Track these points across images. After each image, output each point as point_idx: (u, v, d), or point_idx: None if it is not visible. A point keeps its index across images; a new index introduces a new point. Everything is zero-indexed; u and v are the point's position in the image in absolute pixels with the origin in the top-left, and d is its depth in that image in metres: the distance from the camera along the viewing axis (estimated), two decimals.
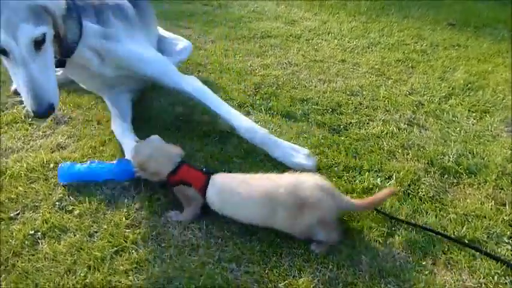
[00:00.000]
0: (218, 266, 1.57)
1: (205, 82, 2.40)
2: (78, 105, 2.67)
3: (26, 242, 1.63)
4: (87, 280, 1.49)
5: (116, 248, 1.62)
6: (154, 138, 1.89)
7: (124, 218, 1.76)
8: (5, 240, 1.64)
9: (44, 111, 1.70)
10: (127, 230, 1.70)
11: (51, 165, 2.06)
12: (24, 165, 2.05)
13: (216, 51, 3.68)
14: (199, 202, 1.75)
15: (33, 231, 1.69)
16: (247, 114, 2.66)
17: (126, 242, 1.65)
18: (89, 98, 2.78)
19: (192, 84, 2.35)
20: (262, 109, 2.72)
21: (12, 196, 1.87)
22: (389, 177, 2.12)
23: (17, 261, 1.55)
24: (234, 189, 1.71)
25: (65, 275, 1.51)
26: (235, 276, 1.53)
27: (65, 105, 2.66)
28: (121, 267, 1.55)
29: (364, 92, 3.02)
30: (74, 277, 1.50)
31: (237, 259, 1.60)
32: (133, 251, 1.62)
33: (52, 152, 2.18)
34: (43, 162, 2.08)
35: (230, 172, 1.94)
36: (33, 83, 1.68)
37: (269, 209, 1.62)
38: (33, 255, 1.58)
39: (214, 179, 1.76)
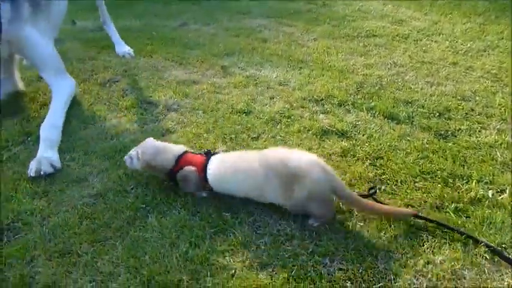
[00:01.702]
0: (311, 259, 1.57)
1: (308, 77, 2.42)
2: (186, 95, 2.85)
3: (138, 214, 1.79)
4: (188, 255, 1.59)
5: (215, 229, 1.71)
6: (150, 139, 1.97)
7: (223, 203, 1.84)
8: (120, 210, 1.82)
9: None
10: (226, 214, 1.78)
11: None
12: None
13: (318, 49, 3.68)
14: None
15: (143, 205, 1.85)
16: (348, 112, 2.63)
17: (224, 224, 1.73)
18: (196, 88, 2.96)
19: (61, 90, 2.57)
20: (364, 108, 2.65)
21: (127, 172, 2.06)
22: (502, 191, 1.95)
23: (130, 230, 1.71)
24: (229, 164, 1.80)
25: (169, 248, 1.62)
26: (328, 271, 1.52)
27: (175, 94, 2.85)
28: (219, 247, 1.63)
29: (477, 98, 2.79)
30: (176, 251, 1.61)
31: (330, 254, 1.59)
32: (230, 233, 1.69)
33: (162, 136, 2.36)
34: None
35: None
36: None
37: (261, 180, 1.68)
38: (143, 226, 1.73)
39: (213, 158, 1.84)
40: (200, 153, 1.94)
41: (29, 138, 2.40)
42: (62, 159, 2.18)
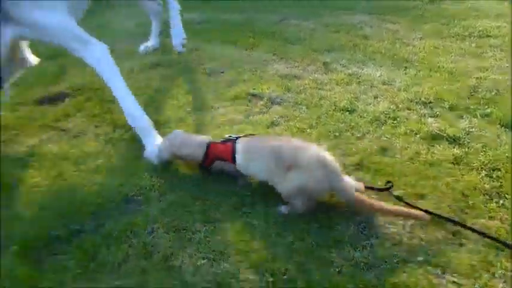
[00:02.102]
0: (421, 268, 1.53)
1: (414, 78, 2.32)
2: (289, 89, 2.89)
3: (244, 201, 1.86)
4: (294, 246, 1.63)
5: (319, 224, 1.72)
6: (177, 131, 2.11)
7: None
8: (228, 195, 1.91)
9: None
10: (331, 212, 1.79)
11: None
12: None
13: (424, 48, 3.51)
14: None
15: (249, 193, 1.91)
16: (459, 117, 2.48)
17: (329, 221, 1.74)
18: (298, 83, 2.98)
19: (99, 63, 2.29)
20: (478, 114, 2.49)
21: None
22: None
23: (238, 214, 1.79)
24: (252, 147, 1.89)
25: (275, 237, 1.68)
26: (439, 282, 1.47)
27: (278, 87, 2.90)
28: (324, 242, 1.64)
29: None
30: (282, 241, 1.66)
31: (442, 266, 1.53)
32: (336, 231, 1.70)
33: (267, 128, 2.43)
34: None
35: None
36: None
37: (272, 164, 1.75)
38: (249, 213, 1.80)
39: (238, 142, 1.92)
40: (223, 141, 2.00)
41: None
42: (160, 132, 2.32)
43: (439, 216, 1.70)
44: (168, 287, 1.49)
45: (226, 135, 2.04)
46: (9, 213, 1.82)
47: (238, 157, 1.90)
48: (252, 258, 1.58)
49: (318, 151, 1.74)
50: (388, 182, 1.88)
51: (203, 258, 1.59)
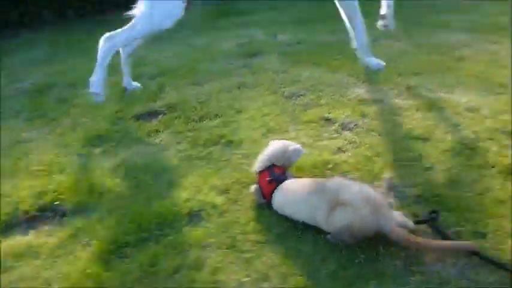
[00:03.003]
0: None
1: None
2: (365, 114, 2.88)
3: (296, 226, 1.93)
4: (337, 274, 1.66)
5: (365, 255, 1.72)
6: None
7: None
8: (281, 218, 2.00)
9: None
10: (378, 245, 1.77)
11: (330, 166, 2.34)
12: (309, 161, 2.39)
13: None
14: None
15: None
16: None
17: (376, 254, 1.72)
18: (376, 108, 2.95)
19: None
20: None
21: None
22: None
23: (287, 238, 1.88)
24: (289, 188, 1.96)
25: (319, 263, 1.72)
26: None
27: (354, 112, 2.91)
28: (366, 273, 1.64)
29: None
30: (326, 268, 1.69)
31: None
32: (379, 264, 1.68)
33: (333, 154, 2.46)
34: (324, 162, 2.38)
35: None
36: None
37: (312, 205, 1.80)
38: (299, 237, 1.87)
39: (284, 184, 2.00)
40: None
41: (223, 140, 2.81)
42: (234, 151, 2.50)
43: (489, 259, 1.59)
44: None
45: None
46: (95, 216, 2.15)
47: (276, 196, 2.00)
48: (290, 281, 1.65)
49: (364, 190, 1.74)
50: (433, 212, 1.80)
51: (246, 276, 1.70)
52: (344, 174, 2.27)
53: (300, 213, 1.91)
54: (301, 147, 2.16)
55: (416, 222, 1.81)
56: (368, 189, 1.76)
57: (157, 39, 5.92)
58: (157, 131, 3.05)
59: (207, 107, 3.34)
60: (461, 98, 2.94)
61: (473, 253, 1.63)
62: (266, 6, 6.98)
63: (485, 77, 3.20)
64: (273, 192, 2.03)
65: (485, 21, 4.52)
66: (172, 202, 2.21)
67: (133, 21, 3.35)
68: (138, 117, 3.32)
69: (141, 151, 2.81)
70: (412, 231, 1.76)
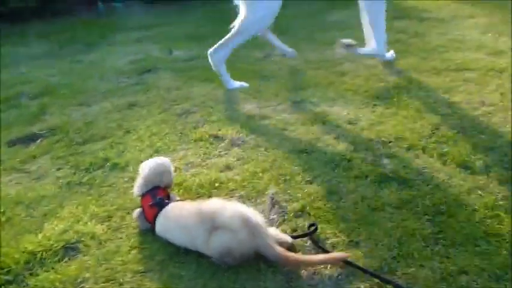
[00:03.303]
0: None
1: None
2: (253, 130, 2.92)
3: (180, 250, 1.88)
4: None
5: (247, 275, 1.72)
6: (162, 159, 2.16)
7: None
8: (166, 243, 1.93)
9: None
10: (261, 263, 1.78)
11: (216, 185, 2.32)
12: (196, 181, 2.36)
13: (398, 84, 3.51)
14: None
15: None
16: (416, 157, 2.46)
17: (258, 272, 1.73)
18: (264, 123, 3.02)
19: None
20: (435, 154, 2.46)
21: None
22: None
23: (170, 264, 1.81)
24: (169, 213, 1.91)
25: None
26: None
27: (243, 128, 2.94)
28: None
29: None
30: None
31: None
32: (262, 282, 1.69)
33: (220, 172, 2.45)
34: (211, 181, 2.36)
35: None
36: None
37: (191, 230, 1.77)
38: (182, 262, 1.81)
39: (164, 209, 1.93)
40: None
41: (108, 164, 2.66)
42: (120, 175, 2.38)
43: (359, 268, 1.68)
44: None
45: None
46: None
47: (158, 221, 1.93)
48: None
49: (241, 211, 1.74)
50: (312, 225, 1.88)
51: None
52: (231, 192, 2.27)
53: (180, 239, 1.86)
54: (168, 164, 2.15)
55: (295, 237, 1.86)
56: (244, 210, 1.76)
57: (43, 54, 5.55)
58: (34, 157, 2.80)
59: (93, 128, 3.16)
60: (342, 111, 3.12)
61: (346, 262, 1.71)
62: (163, 21, 6.88)
63: (364, 90, 3.44)
64: (156, 216, 1.95)
65: None
66: (45, 236, 2.02)
67: (236, 27, 3.57)
68: (14, 143, 3.03)
69: (14, 180, 2.56)
70: (291, 246, 1.81)
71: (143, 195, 2.04)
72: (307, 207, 2.09)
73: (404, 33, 4.91)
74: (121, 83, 4.17)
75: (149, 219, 1.98)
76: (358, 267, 1.69)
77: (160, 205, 1.96)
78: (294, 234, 1.89)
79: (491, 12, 5.41)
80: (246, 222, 1.69)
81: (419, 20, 5.33)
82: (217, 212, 1.74)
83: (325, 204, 2.11)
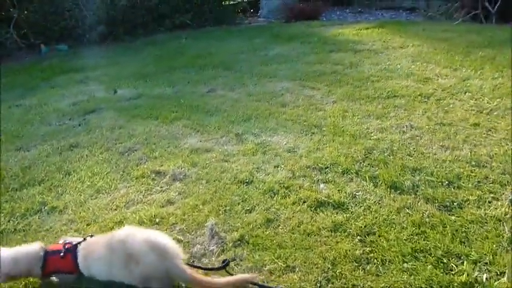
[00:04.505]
0: None
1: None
2: (195, 164, 2.96)
3: None
4: None
5: None
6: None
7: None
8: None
9: None
10: None
11: (157, 220, 2.32)
12: (137, 218, 2.36)
13: (334, 112, 3.69)
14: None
15: None
16: (350, 181, 2.59)
17: None
18: (206, 156, 3.07)
19: None
20: (367, 177, 2.60)
21: None
22: (502, 274, 1.80)
23: None
24: (89, 251, 1.86)
25: None
26: None
27: (184, 163, 2.97)
28: None
29: (493, 164, 2.65)
30: None
31: None
32: None
33: (161, 207, 2.46)
34: (152, 216, 2.36)
35: None
36: None
37: (107, 264, 1.77)
38: None
39: (79, 250, 1.87)
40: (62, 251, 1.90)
41: (45, 208, 2.59)
42: (58, 218, 2.33)
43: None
44: None
45: (62, 240, 1.98)
46: None
47: (80, 263, 1.87)
48: None
49: (149, 236, 1.78)
50: (224, 260, 1.94)
51: None
52: (171, 226, 2.28)
53: (100, 272, 1.84)
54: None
55: (210, 269, 1.92)
56: (153, 234, 1.81)
57: None
58: None
59: (31, 173, 3.08)
60: (282, 140, 3.24)
61: (253, 283, 1.79)
62: (108, 61, 6.87)
63: (302, 119, 3.59)
64: (75, 259, 1.89)
65: (306, 69, 5.14)
66: None
67: None
68: None
69: None
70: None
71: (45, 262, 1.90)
72: (246, 236, 2.14)
73: (340, 64, 5.19)
74: (62, 125, 4.10)
75: (70, 267, 1.89)
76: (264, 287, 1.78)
77: (71, 249, 1.90)
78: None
79: (420, 42, 5.84)
80: (154, 246, 1.73)
81: (353, 52, 5.66)
82: (127, 240, 1.76)
83: (263, 232, 2.17)
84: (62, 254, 1.87)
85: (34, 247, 1.91)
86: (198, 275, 1.78)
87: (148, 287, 1.74)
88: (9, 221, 2.49)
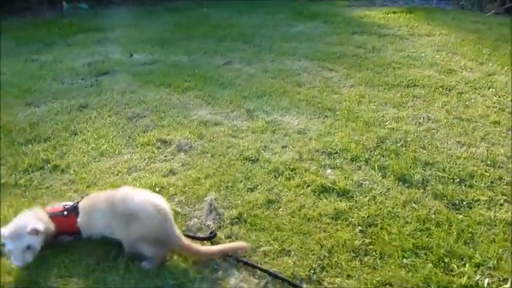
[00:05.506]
0: None
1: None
2: (202, 136, 2.91)
3: (109, 255, 1.83)
4: None
5: (175, 281, 1.70)
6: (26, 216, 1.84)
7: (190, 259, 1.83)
8: (95, 248, 1.88)
9: None
10: (190, 269, 1.76)
11: (157, 189, 2.29)
12: (138, 185, 2.32)
13: (350, 97, 3.58)
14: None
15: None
16: (358, 169, 2.51)
17: (185, 278, 1.71)
18: (214, 130, 3.01)
19: None
20: (376, 167, 2.52)
21: None
22: (505, 280, 1.73)
23: (97, 269, 1.76)
24: (90, 205, 1.84)
25: None
26: None
27: (191, 134, 2.92)
28: None
29: (509, 165, 2.54)
30: None
31: None
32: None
33: (163, 177, 2.43)
34: (152, 185, 2.32)
35: None
36: None
37: (107, 218, 1.76)
38: (109, 267, 1.77)
39: (79, 207, 1.86)
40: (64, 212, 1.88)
41: (48, 165, 2.58)
42: (59, 177, 2.32)
43: (265, 271, 1.74)
44: None
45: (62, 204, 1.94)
46: None
47: (80, 220, 1.85)
48: None
49: (152, 198, 1.78)
50: (212, 231, 1.93)
51: None
52: (170, 197, 2.24)
53: (97, 227, 1.84)
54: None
55: (195, 238, 1.92)
56: (155, 197, 1.80)
57: None
58: None
59: (38, 129, 3.06)
60: (293, 120, 3.16)
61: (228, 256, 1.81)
62: (127, 23, 6.78)
63: (317, 101, 3.49)
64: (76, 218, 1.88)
65: (328, 49, 4.99)
66: None
67: None
68: None
69: None
70: None
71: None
72: (245, 215, 2.09)
73: (362, 47, 5.02)
74: (75, 84, 4.07)
75: (74, 227, 1.88)
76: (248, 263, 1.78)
77: (73, 208, 1.89)
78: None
79: (448, 32, 5.61)
80: (159, 209, 1.73)
81: (378, 36, 5.47)
82: (130, 198, 1.76)
83: (263, 212, 2.12)
84: (65, 212, 1.87)
85: (38, 209, 1.89)
86: (191, 242, 1.79)
87: (138, 251, 1.73)
88: (11, 175, 2.48)
